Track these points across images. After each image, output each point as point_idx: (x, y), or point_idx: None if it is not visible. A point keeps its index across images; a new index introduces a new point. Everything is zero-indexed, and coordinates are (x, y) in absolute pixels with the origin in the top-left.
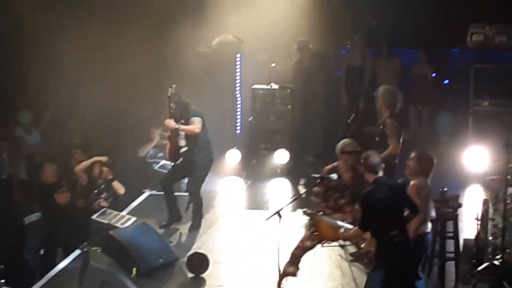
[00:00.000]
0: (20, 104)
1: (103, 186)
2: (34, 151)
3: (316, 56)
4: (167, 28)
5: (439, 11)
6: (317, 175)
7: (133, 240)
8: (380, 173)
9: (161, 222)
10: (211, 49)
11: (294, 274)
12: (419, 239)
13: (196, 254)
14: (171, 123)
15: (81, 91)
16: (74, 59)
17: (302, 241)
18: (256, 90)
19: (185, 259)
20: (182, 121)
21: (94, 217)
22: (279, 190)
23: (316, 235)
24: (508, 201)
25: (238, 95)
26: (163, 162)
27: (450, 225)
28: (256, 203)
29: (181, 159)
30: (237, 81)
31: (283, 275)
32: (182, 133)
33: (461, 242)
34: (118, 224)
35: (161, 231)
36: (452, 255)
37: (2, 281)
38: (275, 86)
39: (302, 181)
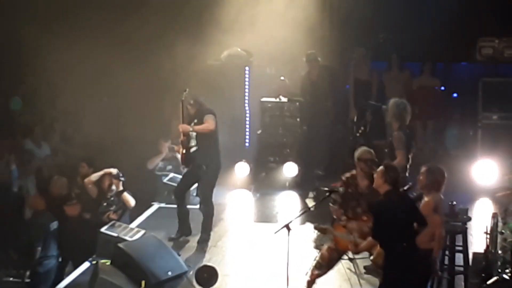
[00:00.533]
0: (29, 117)
1: (112, 198)
2: (43, 164)
3: (325, 69)
4: (176, 41)
5: (448, 25)
6: (326, 188)
7: (142, 252)
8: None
9: (170, 235)
10: (220, 62)
11: None
12: (429, 252)
13: (205, 267)
14: (185, 126)
15: (89, 105)
16: (82, 72)
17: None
18: (265, 103)
19: (194, 272)
20: (196, 120)
21: (103, 229)
22: (288, 203)
23: (333, 249)
24: None
25: (246, 108)
26: (172, 175)
27: (459, 239)
28: (264, 216)
29: (191, 165)
30: (246, 94)
31: None
32: (193, 133)
33: (470, 255)
34: (127, 237)
35: (170, 243)
36: (461, 268)
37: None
38: (283, 99)
39: (311, 194)
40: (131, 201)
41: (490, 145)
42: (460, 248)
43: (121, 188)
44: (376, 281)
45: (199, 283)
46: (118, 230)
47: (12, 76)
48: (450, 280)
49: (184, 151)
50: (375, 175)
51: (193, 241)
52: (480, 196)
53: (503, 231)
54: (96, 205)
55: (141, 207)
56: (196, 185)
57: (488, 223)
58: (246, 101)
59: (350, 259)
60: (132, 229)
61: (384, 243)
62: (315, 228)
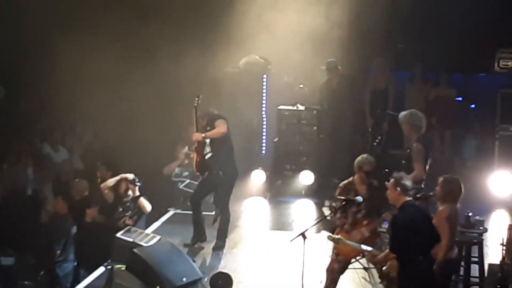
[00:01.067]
0: (47, 122)
1: (128, 204)
2: (60, 168)
3: (345, 77)
4: (194, 48)
5: (467, 36)
6: (342, 197)
7: (157, 258)
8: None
9: (185, 241)
10: (238, 70)
11: None
12: (445, 264)
13: (220, 273)
14: (197, 135)
15: (107, 110)
16: (101, 78)
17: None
18: (282, 111)
19: (209, 278)
20: (208, 128)
21: (118, 234)
22: (304, 211)
23: (333, 260)
24: None
25: (263, 116)
26: (188, 181)
27: (475, 250)
28: (280, 224)
29: (206, 173)
30: (263, 101)
31: None
32: (207, 141)
33: (486, 267)
34: (142, 242)
35: (185, 250)
36: (477, 280)
37: None
38: (301, 107)
39: (327, 203)
40: (148, 207)
41: (507, 157)
42: (476, 259)
43: (137, 193)
44: None
45: None
46: (133, 236)
47: (31, 80)
48: None
49: (198, 159)
50: (388, 191)
51: (208, 247)
52: (497, 208)
53: None
54: (112, 210)
55: (157, 213)
56: (212, 192)
57: (504, 234)
58: (263, 109)
59: (365, 268)
60: (147, 234)
61: (402, 256)
62: (328, 238)
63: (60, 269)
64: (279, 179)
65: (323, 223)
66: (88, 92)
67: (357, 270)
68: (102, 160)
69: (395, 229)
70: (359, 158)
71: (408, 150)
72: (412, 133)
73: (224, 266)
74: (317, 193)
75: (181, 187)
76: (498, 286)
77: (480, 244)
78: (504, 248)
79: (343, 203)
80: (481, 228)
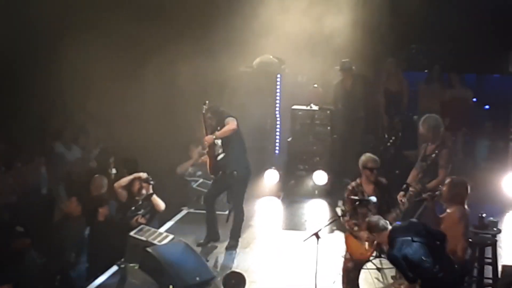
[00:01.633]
0: (60, 121)
1: (141, 202)
2: (73, 167)
3: (359, 78)
4: (208, 47)
5: (480, 37)
6: (356, 197)
7: (170, 257)
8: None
9: (198, 240)
10: (252, 69)
11: None
12: (460, 266)
13: (233, 273)
14: (209, 138)
15: (120, 109)
16: (114, 77)
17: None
18: (296, 110)
19: (222, 278)
20: (219, 128)
21: (132, 233)
22: (317, 211)
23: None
24: None
25: (277, 115)
26: (201, 180)
27: (488, 251)
28: (293, 224)
29: (220, 172)
30: (277, 101)
31: None
32: (219, 142)
33: (499, 268)
34: (155, 241)
35: (198, 249)
36: (490, 281)
37: None
38: (314, 107)
39: (340, 203)
40: (161, 205)
41: None
42: (490, 261)
43: (150, 191)
44: None
45: None
46: (147, 235)
47: (43, 80)
48: None
49: (211, 161)
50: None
51: (221, 247)
52: (511, 209)
53: None
54: (125, 209)
55: (171, 212)
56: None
57: None
58: (277, 109)
59: (378, 269)
60: (160, 233)
61: (422, 278)
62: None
63: (74, 271)
64: (292, 179)
65: (336, 223)
66: (100, 91)
67: (370, 270)
68: (121, 158)
69: (396, 266)
70: (362, 157)
71: (433, 155)
72: (435, 138)
73: (237, 265)
74: (330, 193)
75: (194, 186)
76: None
77: (494, 245)
78: None
79: (357, 203)
80: (494, 229)
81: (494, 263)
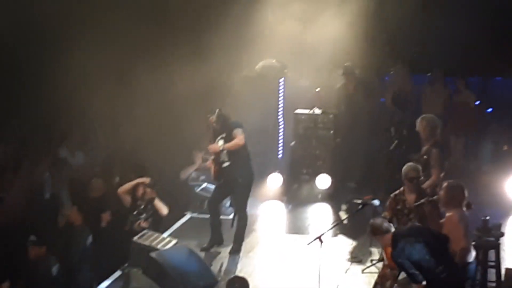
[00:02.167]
0: (64, 126)
1: (143, 206)
2: (76, 173)
3: (361, 82)
4: (211, 52)
5: (484, 40)
6: (359, 201)
7: (174, 262)
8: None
9: (202, 245)
10: (255, 73)
11: None
12: (463, 268)
13: (236, 278)
14: (214, 147)
15: (124, 114)
16: (118, 82)
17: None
18: (299, 114)
19: (225, 282)
20: (224, 134)
21: (135, 238)
22: (320, 215)
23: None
24: None
25: (280, 120)
26: (205, 184)
27: (491, 254)
28: (296, 228)
29: (222, 180)
30: (280, 105)
31: None
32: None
33: (502, 271)
34: (159, 246)
35: (201, 254)
36: (494, 284)
37: None
38: (317, 111)
39: (343, 207)
40: (164, 209)
41: None
42: (493, 264)
43: (153, 195)
44: None
45: None
46: (150, 240)
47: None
48: None
49: (216, 168)
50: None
51: (225, 251)
52: None
53: None
54: (128, 214)
55: (174, 216)
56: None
57: None
58: (280, 113)
59: None
60: (164, 238)
61: (427, 278)
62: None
63: (78, 277)
64: (296, 183)
65: (340, 227)
66: (104, 96)
67: (373, 274)
68: (129, 164)
69: (400, 266)
70: (404, 167)
71: (425, 156)
72: (429, 138)
73: (241, 270)
74: (333, 197)
75: (197, 191)
76: None
77: (497, 249)
78: None
79: (360, 207)
80: (498, 232)
81: (498, 266)
